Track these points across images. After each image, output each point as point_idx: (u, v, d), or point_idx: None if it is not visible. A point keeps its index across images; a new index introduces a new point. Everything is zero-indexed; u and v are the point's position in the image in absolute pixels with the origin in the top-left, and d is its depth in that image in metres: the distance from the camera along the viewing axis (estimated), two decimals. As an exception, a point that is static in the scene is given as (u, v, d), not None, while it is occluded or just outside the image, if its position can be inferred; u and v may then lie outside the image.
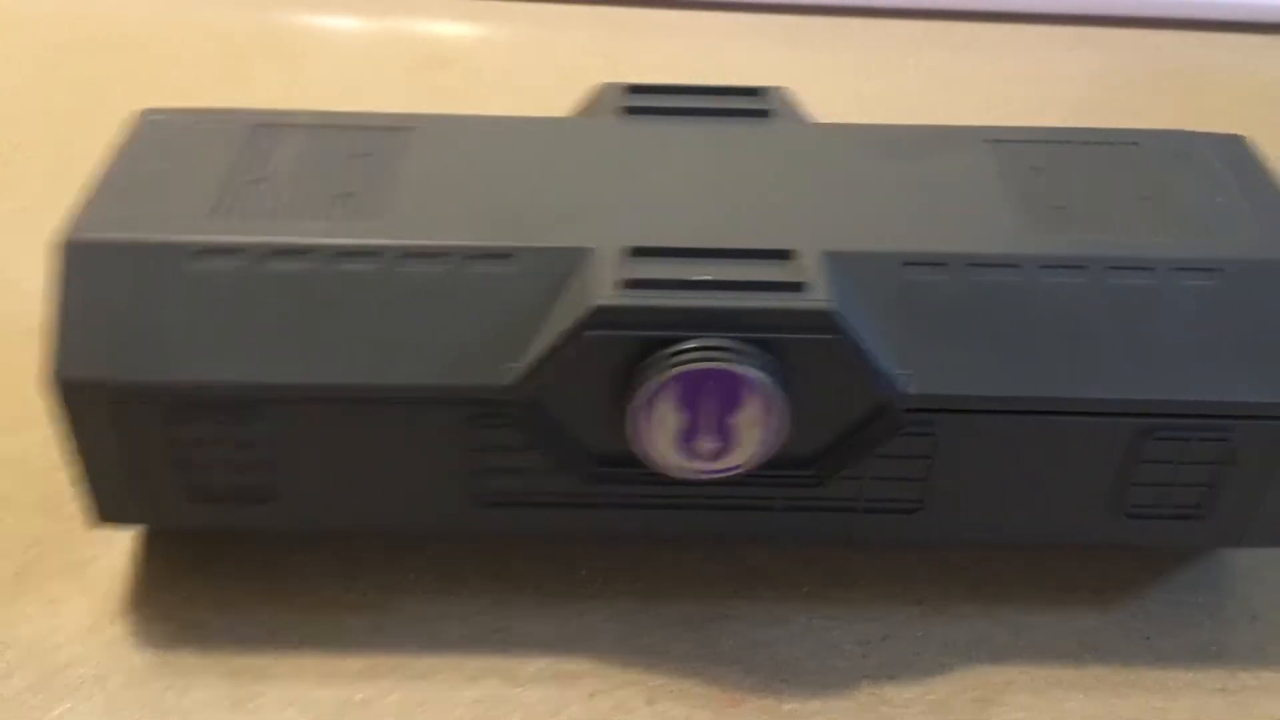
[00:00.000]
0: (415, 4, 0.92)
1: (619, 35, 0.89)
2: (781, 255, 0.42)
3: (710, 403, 0.41)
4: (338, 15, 0.90)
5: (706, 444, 0.42)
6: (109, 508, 0.45)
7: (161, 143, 0.47)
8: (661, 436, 0.41)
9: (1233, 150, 0.49)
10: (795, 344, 0.40)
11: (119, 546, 0.49)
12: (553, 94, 0.82)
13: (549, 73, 0.84)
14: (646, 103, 0.51)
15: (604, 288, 0.40)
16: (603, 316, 0.40)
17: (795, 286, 0.40)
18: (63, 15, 0.89)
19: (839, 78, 0.84)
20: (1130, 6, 0.92)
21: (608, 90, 0.52)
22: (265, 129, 0.48)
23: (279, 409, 0.42)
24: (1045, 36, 0.91)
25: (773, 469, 0.43)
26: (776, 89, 0.52)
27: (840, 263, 0.42)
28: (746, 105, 0.51)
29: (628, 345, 0.41)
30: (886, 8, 0.92)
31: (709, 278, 0.41)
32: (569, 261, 0.42)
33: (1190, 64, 0.88)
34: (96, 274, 0.42)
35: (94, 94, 0.79)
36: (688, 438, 0.41)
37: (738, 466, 0.42)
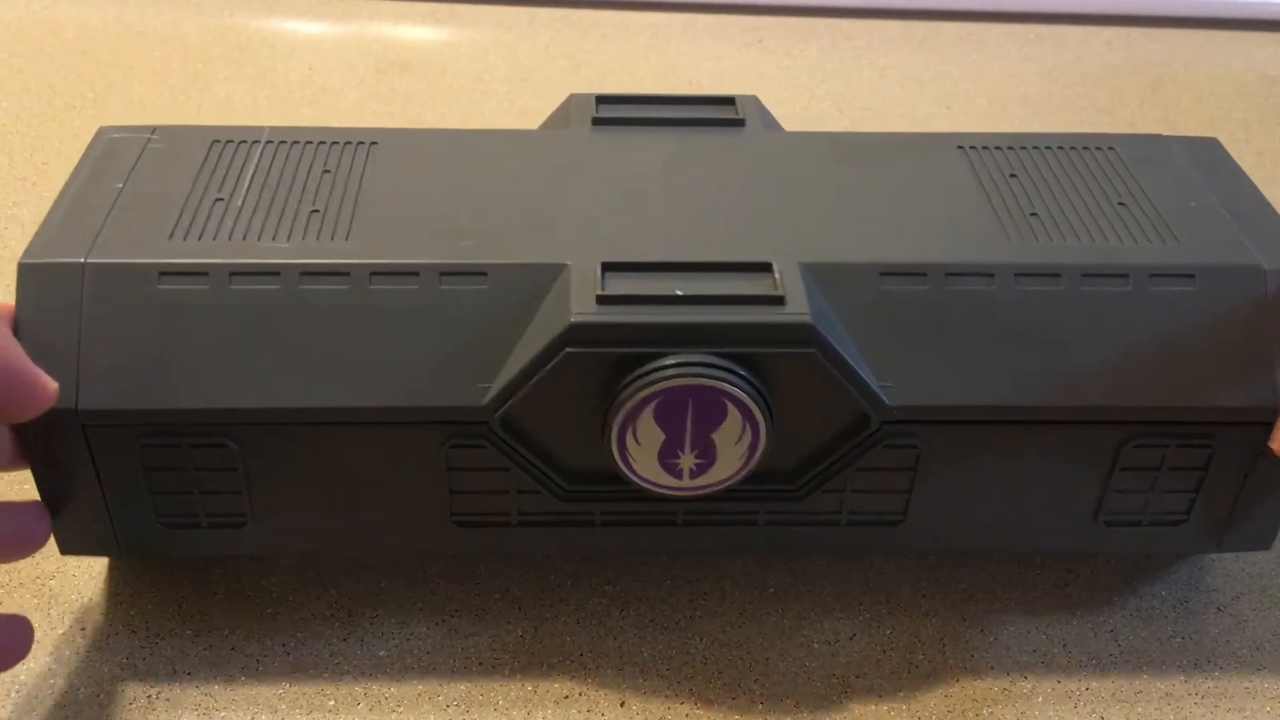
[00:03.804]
0: (377, 8, 0.91)
1: (580, 37, 0.88)
2: (758, 268, 0.41)
3: (691, 419, 0.40)
4: (300, 20, 0.89)
5: (688, 460, 0.41)
6: (73, 539, 0.44)
7: (121, 162, 0.46)
8: (642, 454, 0.41)
9: (1206, 153, 0.49)
10: (775, 358, 0.40)
11: (86, 560, 0.48)
12: (515, 97, 0.82)
13: (511, 75, 0.83)
14: (616, 113, 0.50)
15: (580, 304, 0.40)
16: (580, 333, 0.39)
17: (773, 300, 0.40)
18: (25, 24, 0.87)
19: (795, 77, 0.84)
20: (1081, 4, 0.93)
21: (576, 101, 0.51)
22: (226, 145, 0.47)
23: (251, 433, 0.41)
24: (998, 34, 0.91)
25: (754, 484, 0.43)
26: (746, 98, 0.51)
27: (817, 274, 0.41)
28: (716, 115, 0.50)
29: (606, 362, 0.40)
30: (840, 7, 0.92)
31: (687, 293, 0.40)
32: (543, 278, 0.41)
33: (1141, 59, 0.89)
34: (56, 298, 0.40)
35: (58, 103, 0.77)
36: (669, 454, 0.41)
37: (719, 482, 0.42)
